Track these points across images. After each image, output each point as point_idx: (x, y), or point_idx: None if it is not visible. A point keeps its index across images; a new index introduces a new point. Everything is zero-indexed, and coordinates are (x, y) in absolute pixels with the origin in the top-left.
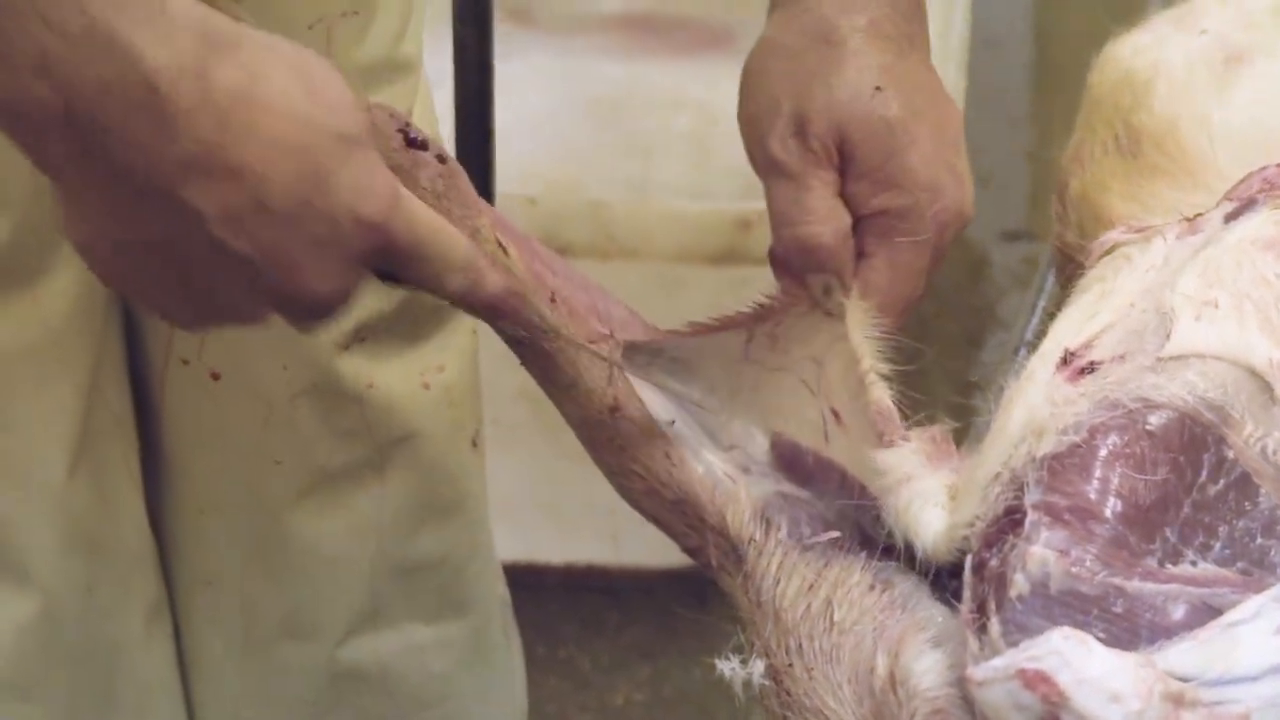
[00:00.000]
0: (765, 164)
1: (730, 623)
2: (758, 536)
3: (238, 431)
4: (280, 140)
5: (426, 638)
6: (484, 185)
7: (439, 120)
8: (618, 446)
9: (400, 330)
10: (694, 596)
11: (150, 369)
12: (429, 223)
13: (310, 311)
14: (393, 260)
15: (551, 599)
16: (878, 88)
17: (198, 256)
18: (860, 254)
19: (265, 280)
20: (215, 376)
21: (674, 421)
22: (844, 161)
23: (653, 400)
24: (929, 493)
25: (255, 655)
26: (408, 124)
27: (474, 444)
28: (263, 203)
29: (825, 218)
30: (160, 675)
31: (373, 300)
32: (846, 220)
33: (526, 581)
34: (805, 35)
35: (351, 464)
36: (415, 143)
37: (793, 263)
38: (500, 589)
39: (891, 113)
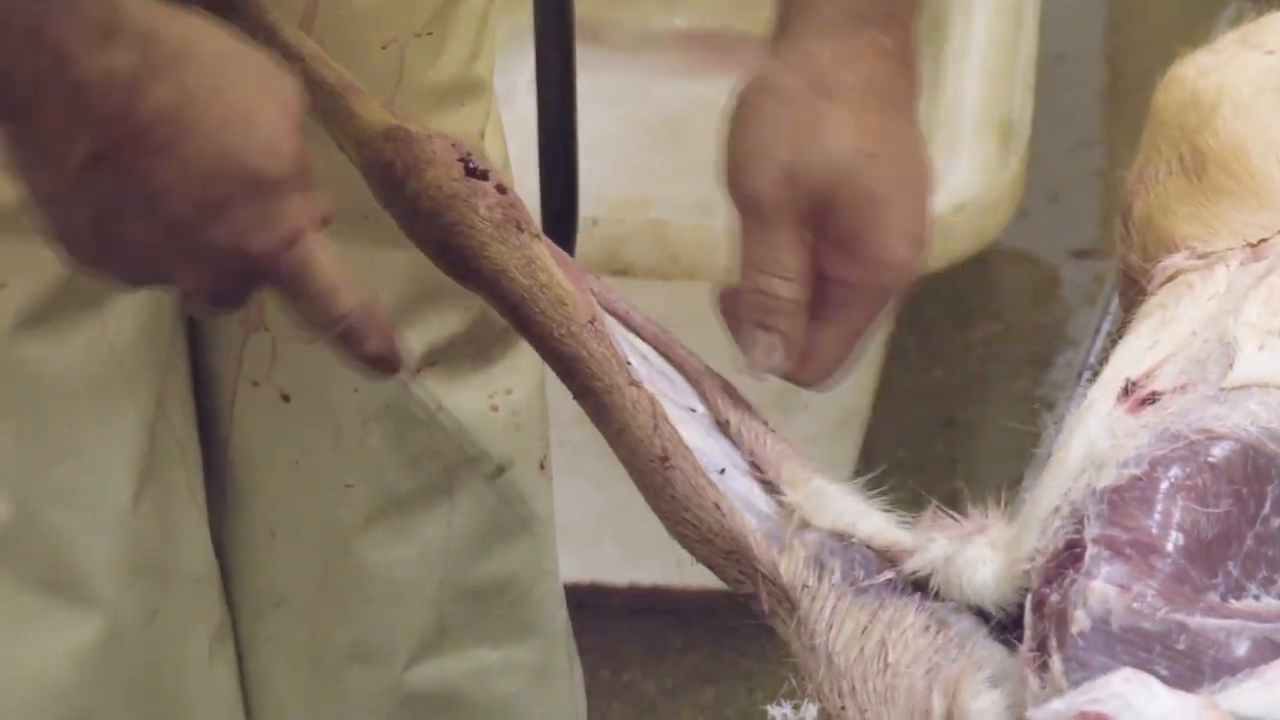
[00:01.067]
0: (746, 202)
1: (783, 666)
2: (810, 582)
3: (308, 455)
4: (191, 162)
5: (493, 661)
6: (568, 204)
7: (508, 141)
8: (669, 496)
9: (469, 353)
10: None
11: (219, 391)
12: (325, 273)
13: (210, 305)
14: (281, 292)
15: (615, 621)
16: (871, 154)
17: (114, 224)
18: (814, 315)
19: (155, 270)
20: (286, 398)
21: (724, 470)
22: (824, 220)
23: (703, 447)
24: (974, 559)
25: (322, 680)
26: (469, 154)
27: (541, 466)
28: (154, 206)
29: (795, 275)
30: (224, 699)
31: (442, 323)
32: (811, 284)
33: (591, 603)
34: (803, 83)
35: (420, 488)
36: (475, 172)
37: (748, 308)
38: (563, 613)
39: (879, 184)
